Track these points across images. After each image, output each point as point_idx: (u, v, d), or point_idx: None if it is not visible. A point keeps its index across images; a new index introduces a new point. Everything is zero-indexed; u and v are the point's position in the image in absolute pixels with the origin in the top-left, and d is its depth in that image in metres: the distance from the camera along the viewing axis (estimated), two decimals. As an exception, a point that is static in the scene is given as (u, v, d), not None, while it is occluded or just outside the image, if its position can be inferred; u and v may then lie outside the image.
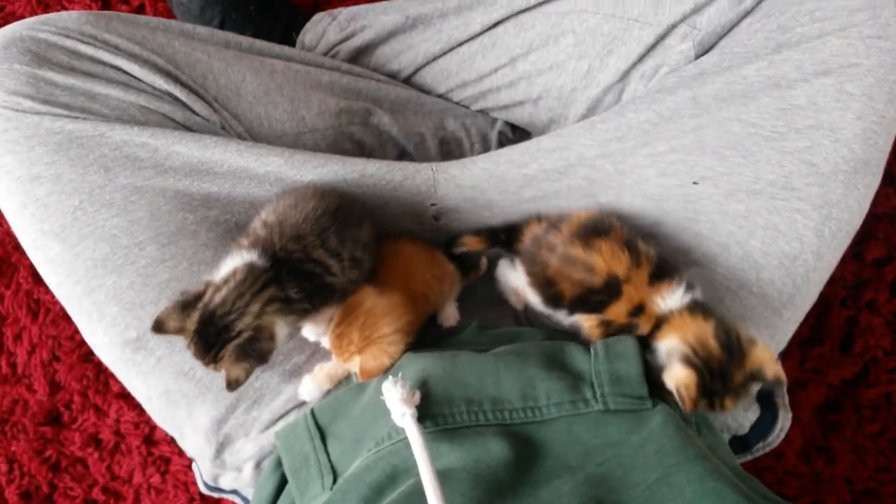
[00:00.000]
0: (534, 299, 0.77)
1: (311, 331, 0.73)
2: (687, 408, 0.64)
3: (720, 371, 0.66)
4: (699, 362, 0.66)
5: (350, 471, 0.65)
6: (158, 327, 0.66)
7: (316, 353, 0.78)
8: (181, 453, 1.09)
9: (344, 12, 0.97)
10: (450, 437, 0.63)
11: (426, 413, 0.63)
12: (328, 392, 0.76)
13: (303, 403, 0.77)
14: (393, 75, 0.95)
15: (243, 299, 0.64)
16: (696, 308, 0.69)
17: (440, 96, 0.95)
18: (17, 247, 1.09)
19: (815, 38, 0.71)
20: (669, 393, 0.66)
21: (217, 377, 0.75)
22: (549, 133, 0.81)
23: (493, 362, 0.68)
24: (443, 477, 0.56)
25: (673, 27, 0.80)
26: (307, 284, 0.68)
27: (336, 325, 0.71)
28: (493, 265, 0.83)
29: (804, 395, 1.07)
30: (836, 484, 1.07)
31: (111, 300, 0.74)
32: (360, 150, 0.90)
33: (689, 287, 0.70)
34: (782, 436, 0.83)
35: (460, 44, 0.90)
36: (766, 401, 0.82)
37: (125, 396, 1.10)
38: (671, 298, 0.70)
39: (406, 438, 0.59)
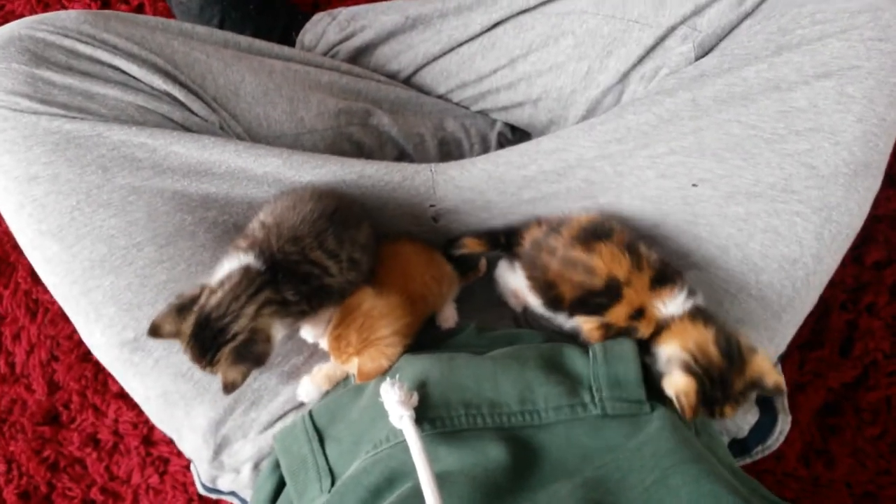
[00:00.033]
0: (534, 302, 0.76)
1: (310, 332, 0.73)
2: (687, 416, 0.64)
3: (720, 379, 0.66)
4: (699, 370, 0.65)
5: (348, 473, 0.65)
6: (154, 331, 0.66)
7: (314, 355, 0.78)
8: (180, 454, 1.09)
9: (344, 12, 0.97)
10: (448, 440, 0.63)
11: (424, 416, 0.63)
12: (326, 393, 0.76)
13: (301, 405, 0.77)
14: (392, 76, 0.95)
15: (238, 302, 0.64)
16: (698, 315, 0.69)
17: (440, 97, 0.95)
18: (16, 246, 1.09)
19: (816, 40, 0.71)
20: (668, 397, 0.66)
21: (215, 379, 0.74)
22: (549, 134, 0.81)
23: (492, 365, 0.68)
24: (441, 480, 0.55)
25: (673, 29, 0.79)
26: (304, 286, 0.68)
27: (334, 327, 0.71)
28: (492, 267, 0.83)
29: (804, 399, 1.07)
30: (836, 487, 1.07)
31: (109, 301, 0.74)
32: (360, 150, 0.89)
33: (691, 293, 0.70)
34: (781, 439, 0.83)
35: (460, 44, 0.90)
36: (766, 404, 0.81)
37: (124, 396, 1.10)
38: (672, 304, 0.69)
39: (404, 441, 0.59)
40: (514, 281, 0.78)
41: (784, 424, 0.82)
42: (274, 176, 0.76)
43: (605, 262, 0.70)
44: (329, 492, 0.66)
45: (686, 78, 0.76)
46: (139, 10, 1.13)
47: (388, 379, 0.64)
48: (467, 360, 0.69)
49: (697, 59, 0.79)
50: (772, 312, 0.75)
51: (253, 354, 0.64)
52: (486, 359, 0.70)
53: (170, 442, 1.08)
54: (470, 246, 0.81)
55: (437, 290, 0.79)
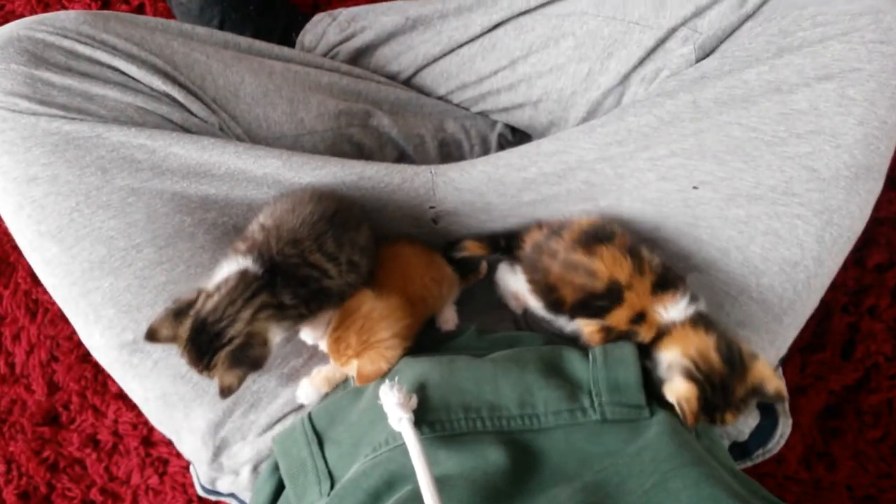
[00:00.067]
0: (534, 304, 0.76)
1: (309, 334, 0.73)
2: (688, 422, 0.64)
3: (722, 385, 0.65)
4: (700, 376, 0.65)
5: (347, 476, 0.65)
6: (151, 336, 0.66)
7: (314, 357, 0.78)
8: (179, 455, 1.09)
9: (344, 13, 0.97)
10: (447, 443, 0.63)
11: (424, 419, 0.63)
12: (326, 396, 0.76)
13: (300, 407, 0.77)
14: (393, 77, 0.95)
15: (234, 306, 0.64)
16: (699, 321, 0.69)
17: (440, 98, 0.95)
18: (16, 246, 1.08)
19: (817, 42, 0.70)
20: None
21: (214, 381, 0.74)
22: (549, 136, 0.81)
23: (491, 368, 0.68)
24: (440, 483, 0.55)
25: (674, 30, 0.79)
26: (303, 290, 0.68)
27: (334, 329, 0.70)
28: (492, 269, 0.83)
29: (805, 401, 1.07)
30: (837, 490, 1.07)
31: (108, 302, 0.74)
32: (360, 152, 0.89)
33: (693, 299, 0.70)
34: (782, 442, 0.82)
35: (460, 45, 0.90)
36: (767, 407, 0.81)
37: (123, 397, 1.10)
38: (674, 310, 0.69)
39: (404, 444, 0.59)
40: (514, 283, 0.78)
41: (785, 428, 0.82)
42: (273, 177, 0.76)
43: (607, 265, 0.70)
44: (328, 495, 0.66)
45: (687, 80, 0.76)
46: (139, 10, 1.13)
47: (386, 381, 0.64)
48: (467, 362, 0.69)
49: (698, 60, 0.78)
50: (773, 315, 0.75)
51: (249, 359, 0.64)
52: (487, 361, 0.69)
53: (169, 443, 1.07)
54: (471, 249, 0.80)
55: (436, 292, 0.79)
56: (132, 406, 1.09)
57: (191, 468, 0.87)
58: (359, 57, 0.95)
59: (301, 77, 0.86)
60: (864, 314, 1.08)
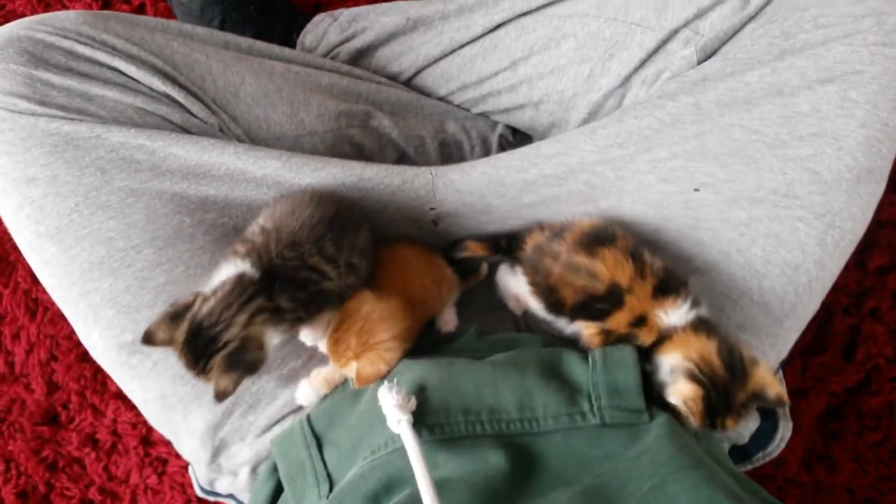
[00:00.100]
0: (535, 306, 0.76)
1: (309, 335, 0.73)
2: (696, 422, 0.64)
3: (723, 390, 0.65)
4: (704, 378, 0.65)
5: (346, 479, 0.65)
6: (148, 339, 0.65)
7: (313, 358, 0.78)
8: (178, 455, 1.08)
9: (345, 13, 0.96)
10: (447, 446, 0.62)
11: (423, 422, 0.63)
12: (325, 397, 0.76)
13: (299, 409, 0.77)
14: (393, 77, 0.94)
15: (230, 310, 0.64)
16: (701, 326, 0.68)
17: (441, 99, 0.94)
18: (16, 246, 1.07)
19: (819, 44, 0.70)
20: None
21: (213, 382, 0.74)
22: (550, 138, 0.81)
23: (491, 371, 0.68)
24: (440, 487, 0.55)
25: (675, 32, 0.79)
26: (301, 293, 0.67)
27: (333, 331, 0.70)
28: (492, 270, 0.83)
29: (806, 404, 1.07)
30: (837, 493, 1.07)
31: (107, 303, 0.73)
32: (360, 152, 0.89)
33: (695, 303, 0.70)
34: (783, 445, 0.82)
35: (461, 46, 0.90)
36: (767, 411, 0.81)
37: (122, 397, 1.10)
38: (675, 314, 0.69)
39: (403, 447, 0.59)
40: (515, 285, 0.78)
41: (785, 431, 0.82)
42: (273, 178, 0.75)
43: (609, 268, 0.70)
44: (327, 497, 0.65)
45: (688, 82, 0.76)
46: (140, 10, 1.13)
47: (386, 383, 0.64)
48: (467, 365, 0.69)
49: (700, 62, 0.78)
50: (774, 318, 0.75)
51: (245, 362, 0.64)
52: (486, 364, 0.69)
53: (168, 443, 1.07)
54: (472, 249, 0.80)
55: (436, 294, 0.78)
56: (131, 406, 1.09)
57: (189, 469, 0.87)
58: (359, 57, 0.95)
59: (301, 78, 0.86)
60: (866, 316, 1.08)
